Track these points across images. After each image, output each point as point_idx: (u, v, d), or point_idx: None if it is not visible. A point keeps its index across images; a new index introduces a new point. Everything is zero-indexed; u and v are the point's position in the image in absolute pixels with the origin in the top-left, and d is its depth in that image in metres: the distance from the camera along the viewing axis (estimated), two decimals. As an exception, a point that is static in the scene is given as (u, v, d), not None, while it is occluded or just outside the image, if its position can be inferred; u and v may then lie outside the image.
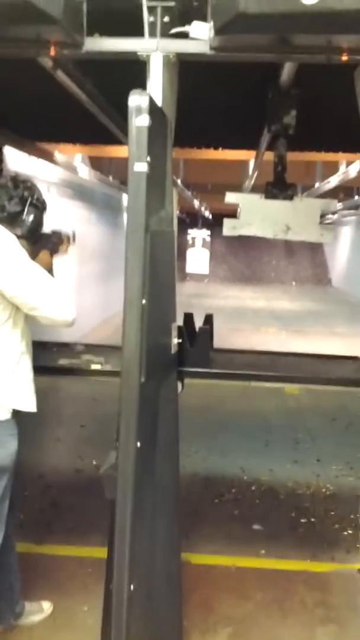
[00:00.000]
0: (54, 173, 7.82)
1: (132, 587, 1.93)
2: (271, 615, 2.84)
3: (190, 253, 19.76)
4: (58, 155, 6.91)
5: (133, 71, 2.26)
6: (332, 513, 3.89)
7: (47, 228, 2.45)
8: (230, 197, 3.01)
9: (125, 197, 13.15)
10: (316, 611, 2.89)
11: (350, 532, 3.61)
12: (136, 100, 1.81)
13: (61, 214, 8.38)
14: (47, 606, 2.79)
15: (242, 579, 3.13)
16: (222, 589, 3.03)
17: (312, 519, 3.81)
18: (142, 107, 1.81)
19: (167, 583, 2.45)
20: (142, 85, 2.20)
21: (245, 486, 4.27)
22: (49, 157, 6.67)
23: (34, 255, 2.29)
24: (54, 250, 2.46)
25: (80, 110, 3.69)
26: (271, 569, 3.23)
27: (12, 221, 2.25)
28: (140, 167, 1.83)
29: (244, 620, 2.80)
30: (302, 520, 3.79)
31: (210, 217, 18.93)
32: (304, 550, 3.43)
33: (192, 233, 19.61)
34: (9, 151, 5.83)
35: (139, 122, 1.81)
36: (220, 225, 3.19)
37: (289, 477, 4.44)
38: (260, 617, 2.82)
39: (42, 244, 2.40)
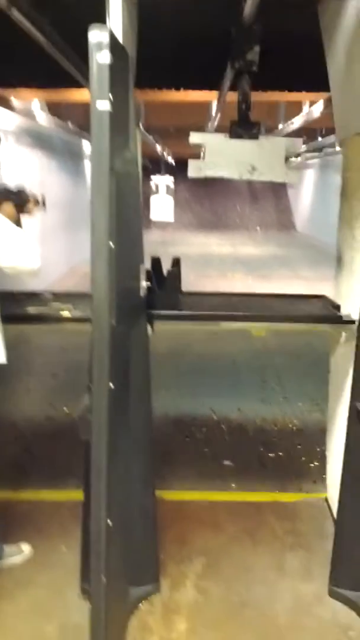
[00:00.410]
0: (10, 120, 7.57)
1: (109, 522, 1.99)
2: (243, 545, 2.97)
3: (153, 200, 19.47)
4: (14, 102, 6.68)
5: (92, 9, 2.18)
6: (299, 447, 4.04)
7: (14, 180, 2.40)
8: (195, 138, 2.96)
9: (85, 144, 12.84)
10: (286, 539, 3.03)
11: (316, 464, 3.76)
12: (97, 36, 1.76)
13: (20, 162, 8.16)
14: (26, 548, 2.86)
15: (214, 513, 3.25)
16: (195, 523, 3.15)
17: (280, 453, 3.95)
18: (102, 43, 1.76)
19: (143, 519, 2.53)
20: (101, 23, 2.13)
21: (215, 425, 4.39)
22: (5, 103, 6.45)
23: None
24: (19, 206, 2.41)
25: (37, 52, 3.55)
26: (242, 502, 3.36)
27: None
28: (103, 105, 1.79)
29: (217, 550, 2.93)
30: (271, 455, 3.93)
31: (173, 163, 18.64)
32: (273, 482, 3.58)
33: (155, 179, 19.27)
34: None
35: (100, 58, 1.77)
36: (184, 171, 3.14)
37: (256, 414, 4.57)
38: (232, 547, 2.95)
39: (4, 195, 2.36)
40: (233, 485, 3.55)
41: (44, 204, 2.59)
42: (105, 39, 1.77)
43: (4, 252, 2.11)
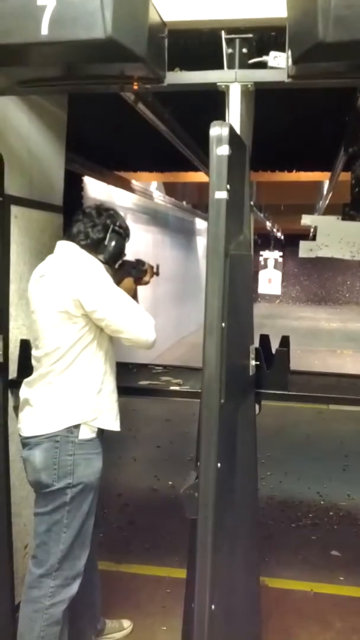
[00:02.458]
0: (130, 199, 8.05)
1: (213, 606, 1.94)
2: (352, 645, 2.78)
3: (262, 274, 19.66)
4: (134, 183, 7.13)
5: (207, 98, 2.33)
6: None
7: (130, 255, 2.54)
8: (307, 220, 3.01)
9: (198, 221, 13.32)
10: None
11: None
12: (217, 130, 1.87)
13: (137, 238, 8.60)
14: (127, 624, 2.84)
15: (320, 606, 3.07)
16: (300, 615, 2.98)
17: (394, 547, 3.70)
18: (222, 137, 1.87)
19: (247, 605, 2.44)
20: (217, 111, 2.27)
21: (323, 511, 4.20)
22: (126, 184, 6.90)
23: (117, 280, 2.38)
24: (137, 278, 2.54)
25: (158, 139, 3.82)
26: (350, 597, 3.16)
27: (95, 247, 2.35)
28: (221, 194, 1.89)
29: (324, 648, 2.75)
30: (383, 548, 3.69)
31: (282, 238, 18.83)
32: (385, 578, 3.34)
33: (264, 254, 19.51)
34: (89, 180, 6.07)
35: (220, 151, 1.87)
36: (292, 245, 3.18)
37: (367, 502, 4.34)
38: (340, 646, 2.77)
39: (126, 270, 2.49)
40: (341, 578, 3.35)
41: (157, 273, 2.70)
42: (225, 133, 1.88)
43: (124, 325, 2.21)
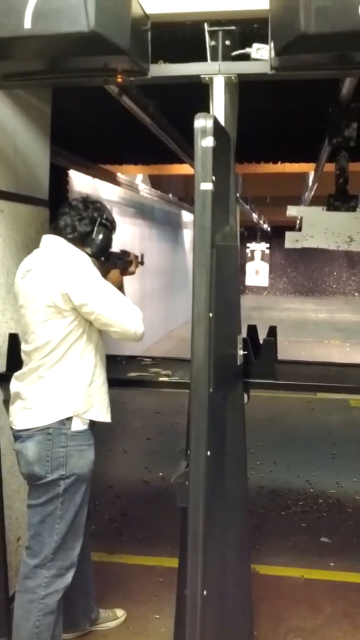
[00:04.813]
0: (115, 192, 8.04)
1: (205, 592, 1.97)
2: (342, 628, 2.82)
3: (249, 266, 19.73)
4: (120, 176, 7.12)
5: (192, 89, 2.34)
6: None
7: (116, 248, 2.55)
8: (292, 210, 3.05)
9: (184, 214, 13.33)
10: (389, 625, 2.85)
11: None
12: (201, 122, 1.89)
13: (123, 232, 8.60)
14: (120, 613, 2.87)
15: (311, 591, 3.12)
16: (291, 600, 3.03)
17: (382, 533, 3.76)
18: (207, 129, 1.89)
19: (238, 591, 2.48)
20: (201, 102, 2.28)
21: (312, 499, 4.25)
22: (111, 177, 6.89)
23: (104, 273, 2.39)
24: (123, 269, 2.55)
25: (143, 131, 3.82)
26: (341, 582, 3.21)
27: (82, 240, 2.36)
28: (206, 186, 1.90)
29: (315, 632, 2.79)
30: (372, 534, 3.75)
31: (269, 229, 18.90)
32: (374, 564, 3.39)
33: (251, 246, 19.59)
34: (74, 174, 6.05)
35: (205, 143, 1.89)
36: (279, 237, 3.22)
37: (356, 490, 4.39)
38: (331, 630, 2.81)
39: (112, 262, 2.50)
40: (331, 563, 3.40)
41: (142, 262, 2.71)
42: (209, 124, 1.89)
43: (113, 318, 2.22)
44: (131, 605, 2.94)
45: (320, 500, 4.23)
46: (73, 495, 2.26)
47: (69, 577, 2.32)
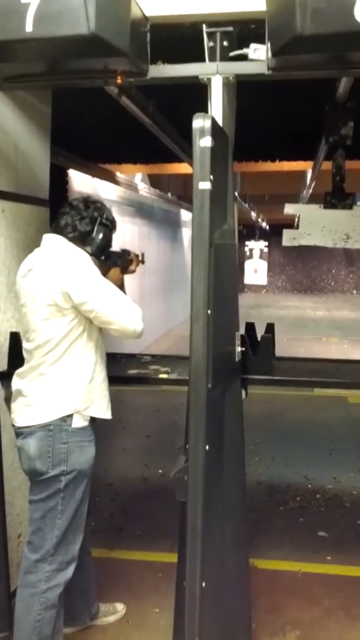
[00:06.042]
0: (115, 192, 8.06)
1: (203, 584, 2.01)
2: (339, 620, 2.86)
3: (248, 264, 19.78)
4: (119, 175, 7.14)
5: (190, 90, 2.38)
6: None
7: (116, 247, 2.58)
8: (289, 209, 3.08)
9: (183, 212, 13.35)
10: (385, 618, 2.89)
11: None
12: (200, 122, 1.92)
13: (123, 231, 8.63)
14: (120, 608, 2.91)
15: (308, 585, 3.16)
16: (289, 594, 3.07)
17: (379, 527, 3.79)
18: (205, 129, 1.92)
19: (236, 585, 2.51)
20: (199, 102, 2.31)
21: (310, 494, 4.29)
22: (110, 177, 6.91)
23: (104, 272, 2.43)
24: (124, 268, 2.58)
25: (141, 131, 3.85)
26: (337, 575, 3.25)
27: (83, 240, 2.38)
28: (204, 185, 1.94)
29: (312, 624, 2.83)
30: (369, 528, 3.79)
31: (267, 227, 18.93)
32: (371, 557, 3.43)
33: (250, 244, 19.63)
34: (74, 174, 6.07)
35: (203, 143, 1.92)
36: (278, 235, 3.25)
37: (353, 485, 4.43)
38: (328, 622, 2.85)
39: (112, 261, 2.53)
40: (328, 557, 3.44)
41: (143, 261, 2.74)
42: (207, 125, 1.93)
43: (113, 316, 2.25)
44: (131, 600, 2.98)
45: (318, 496, 4.27)
46: (74, 491, 2.30)
47: (70, 571, 2.35)
